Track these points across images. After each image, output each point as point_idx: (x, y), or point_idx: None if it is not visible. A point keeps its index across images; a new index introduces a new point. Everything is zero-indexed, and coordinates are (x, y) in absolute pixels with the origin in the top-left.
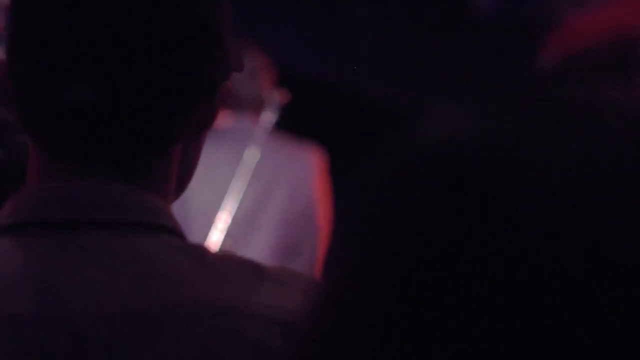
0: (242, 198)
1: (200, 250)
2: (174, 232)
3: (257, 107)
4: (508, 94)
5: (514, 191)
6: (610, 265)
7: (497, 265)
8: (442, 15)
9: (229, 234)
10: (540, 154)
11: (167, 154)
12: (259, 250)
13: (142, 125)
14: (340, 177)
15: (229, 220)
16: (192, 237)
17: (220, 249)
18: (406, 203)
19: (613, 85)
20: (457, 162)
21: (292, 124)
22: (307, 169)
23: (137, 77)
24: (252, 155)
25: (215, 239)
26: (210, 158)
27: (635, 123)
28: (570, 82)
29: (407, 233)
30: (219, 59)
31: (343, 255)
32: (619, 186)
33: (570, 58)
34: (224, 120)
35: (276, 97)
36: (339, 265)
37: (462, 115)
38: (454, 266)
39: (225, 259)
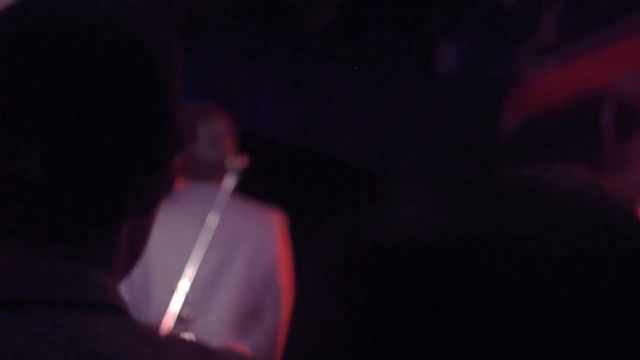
0: (204, 262)
1: (147, 331)
2: (120, 310)
3: (219, 170)
4: (469, 183)
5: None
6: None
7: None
8: (407, 74)
9: (189, 300)
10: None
11: (116, 229)
12: (220, 313)
13: (88, 200)
14: (306, 238)
15: (189, 285)
16: (153, 303)
17: (180, 315)
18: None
19: (577, 148)
20: (411, 256)
21: (258, 185)
22: (268, 232)
23: (84, 153)
24: (213, 218)
25: (175, 305)
26: (172, 222)
27: (592, 217)
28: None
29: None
30: (169, 133)
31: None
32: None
33: (533, 117)
34: (187, 183)
35: (238, 162)
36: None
37: (420, 207)
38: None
39: (172, 341)
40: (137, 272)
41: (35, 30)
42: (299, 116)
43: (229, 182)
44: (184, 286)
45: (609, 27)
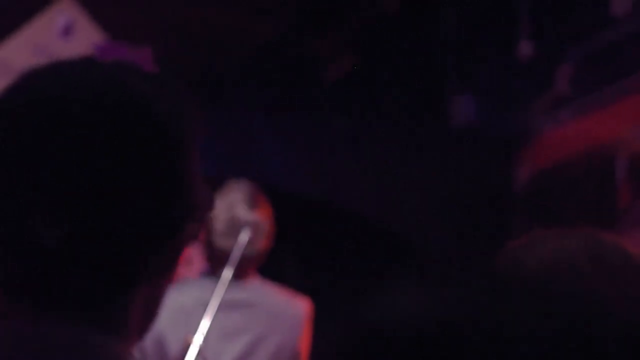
0: (225, 348)
1: None
2: None
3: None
4: (457, 275)
5: None
6: None
7: None
8: (422, 128)
9: (204, 357)
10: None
11: (130, 294)
12: None
13: (103, 266)
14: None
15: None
16: None
17: None
18: None
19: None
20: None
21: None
22: (297, 323)
23: (103, 223)
24: (238, 302)
25: None
26: (190, 303)
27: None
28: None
29: None
30: (186, 201)
31: None
32: None
33: (546, 170)
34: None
35: (259, 249)
36: None
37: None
38: None
39: None
40: (151, 353)
41: (51, 101)
42: (312, 170)
43: (240, 246)
44: (198, 338)
45: (624, 80)
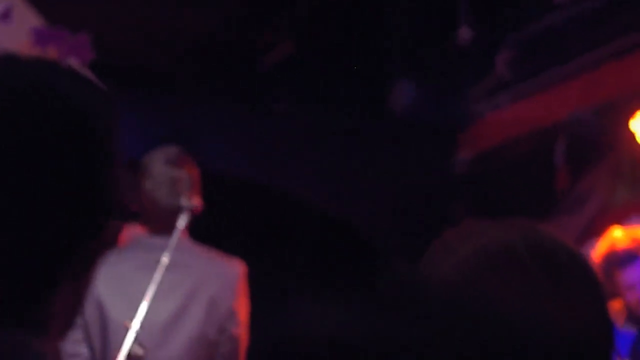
0: (161, 305)
1: None
2: None
3: (175, 213)
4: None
5: None
6: None
7: None
8: (363, 113)
9: (139, 341)
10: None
11: (53, 294)
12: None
13: (21, 264)
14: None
15: (142, 327)
16: (110, 347)
17: (130, 355)
18: None
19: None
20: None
21: (217, 224)
22: (228, 282)
23: (19, 217)
24: (170, 261)
25: (127, 346)
26: (126, 269)
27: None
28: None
29: None
30: (105, 198)
31: None
32: None
33: (486, 154)
34: (146, 228)
35: (193, 204)
36: None
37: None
38: None
39: None
40: (93, 319)
41: None
42: (252, 157)
43: (184, 223)
44: (138, 331)
45: (562, 65)
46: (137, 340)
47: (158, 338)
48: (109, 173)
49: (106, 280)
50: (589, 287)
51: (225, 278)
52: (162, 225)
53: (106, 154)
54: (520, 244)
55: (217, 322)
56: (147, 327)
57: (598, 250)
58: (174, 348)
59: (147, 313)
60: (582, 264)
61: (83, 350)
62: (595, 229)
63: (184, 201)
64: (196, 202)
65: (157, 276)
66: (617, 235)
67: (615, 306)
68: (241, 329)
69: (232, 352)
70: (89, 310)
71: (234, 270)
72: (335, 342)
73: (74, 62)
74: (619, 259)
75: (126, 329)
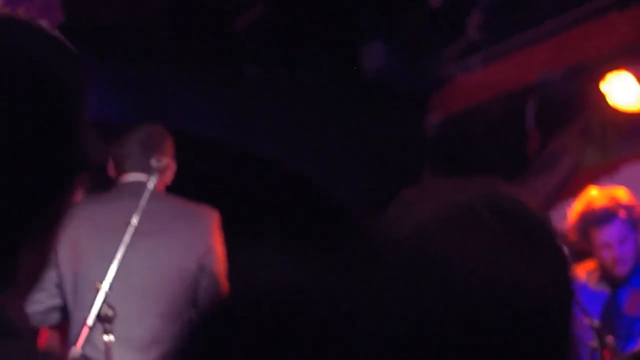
0: (135, 256)
1: (46, 356)
2: (14, 334)
3: (147, 172)
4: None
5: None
6: None
7: None
8: (334, 77)
9: (109, 298)
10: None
11: (17, 249)
12: (149, 305)
13: None
14: (236, 236)
15: (113, 281)
16: (81, 304)
17: (100, 313)
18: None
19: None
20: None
21: (190, 186)
22: (201, 226)
23: None
24: (141, 215)
25: (99, 307)
26: (100, 223)
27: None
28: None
29: None
30: (71, 156)
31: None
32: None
33: (457, 117)
34: (116, 183)
35: (165, 163)
36: None
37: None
38: None
39: None
40: (67, 276)
41: None
42: (223, 119)
43: (154, 183)
44: (106, 284)
45: (533, 27)
46: (106, 301)
47: (131, 290)
48: (77, 132)
49: (83, 235)
50: (550, 247)
51: (201, 218)
52: (135, 183)
53: (75, 114)
54: (481, 204)
55: (196, 257)
56: (127, 270)
57: (574, 209)
58: (148, 297)
59: (126, 259)
60: (542, 224)
61: (56, 301)
62: (566, 190)
63: (154, 161)
64: (166, 162)
65: (130, 236)
66: (595, 194)
67: (589, 266)
68: (220, 265)
69: (213, 287)
70: (63, 267)
71: (209, 215)
72: (292, 295)
73: (43, 24)
74: (597, 217)
75: (97, 290)
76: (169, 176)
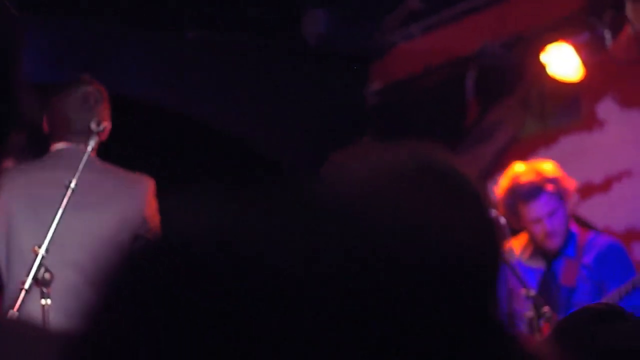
0: (71, 224)
1: None
2: None
3: (87, 134)
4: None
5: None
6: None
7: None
8: (276, 42)
9: (45, 262)
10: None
11: None
12: (84, 272)
13: None
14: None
15: (48, 246)
16: (16, 270)
17: (36, 277)
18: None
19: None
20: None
21: (127, 147)
22: (136, 194)
23: None
24: (79, 181)
25: (34, 273)
26: (37, 187)
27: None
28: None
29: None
30: (6, 117)
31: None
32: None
33: (398, 84)
34: (55, 146)
35: (102, 127)
36: None
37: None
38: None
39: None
40: (1, 241)
41: None
42: (166, 81)
43: (94, 144)
44: (42, 248)
45: None
46: (44, 264)
47: (73, 249)
48: (13, 92)
49: (16, 203)
50: (477, 206)
51: (135, 190)
52: (71, 148)
53: (11, 74)
54: (411, 165)
55: (131, 229)
56: (61, 240)
57: (500, 186)
58: (89, 251)
59: (60, 229)
60: (470, 185)
61: None
62: (504, 160)
63: (94, 125)
64: (106, 125)
65: (67, 198)
66: (520, 169)
67: (521, 241)
68: (155, 235)
69: None
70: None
71: (143, 183)
72: (217, 237)
73: None
74: (524, 193)
75: (34, 254)
76: (104, 138)
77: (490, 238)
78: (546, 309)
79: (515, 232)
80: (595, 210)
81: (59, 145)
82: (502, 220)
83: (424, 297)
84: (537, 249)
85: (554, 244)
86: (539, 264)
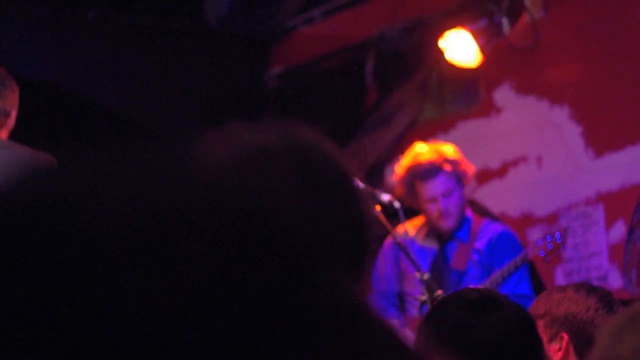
0: None
1: None
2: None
3: None
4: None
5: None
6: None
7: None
8: (176, 22)
9: None
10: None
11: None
12: None
13: None
14: None
15: None
16: None
17: None
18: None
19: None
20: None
21: (21, 126)
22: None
23: None
24: None
25: None
26: None
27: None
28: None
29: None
30: None
31: None
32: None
33: (298, 68)
34: None
35: (9, 109)
36: None
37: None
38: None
39: None
40: None
41: None
42: (57, 59)
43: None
44: None
45: None
46: None
47: None
48: None
49: None
50: (345, 187)
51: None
52: None
53: None
54: (279, 147)
55: None
56: None
57: (401, 163)
58: None
59: None
60: (337, 165)
61: None
62: (402, 145)
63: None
64: (11, 109)
65: None
66: (421, 149)
67: (418, 222)
68: None
69: None
70: None
71: (45, 159)
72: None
73: None
74: (423, 171)
75: None
76: (12, 123)
77: (354, 219)
78: (439, 292)
79: (413, 214)
80: (492, 196)
81: None
82: (396, 204)
83: (243, 265)
84: (431, 229)
85: (447, 224)
86: (432, 245)
